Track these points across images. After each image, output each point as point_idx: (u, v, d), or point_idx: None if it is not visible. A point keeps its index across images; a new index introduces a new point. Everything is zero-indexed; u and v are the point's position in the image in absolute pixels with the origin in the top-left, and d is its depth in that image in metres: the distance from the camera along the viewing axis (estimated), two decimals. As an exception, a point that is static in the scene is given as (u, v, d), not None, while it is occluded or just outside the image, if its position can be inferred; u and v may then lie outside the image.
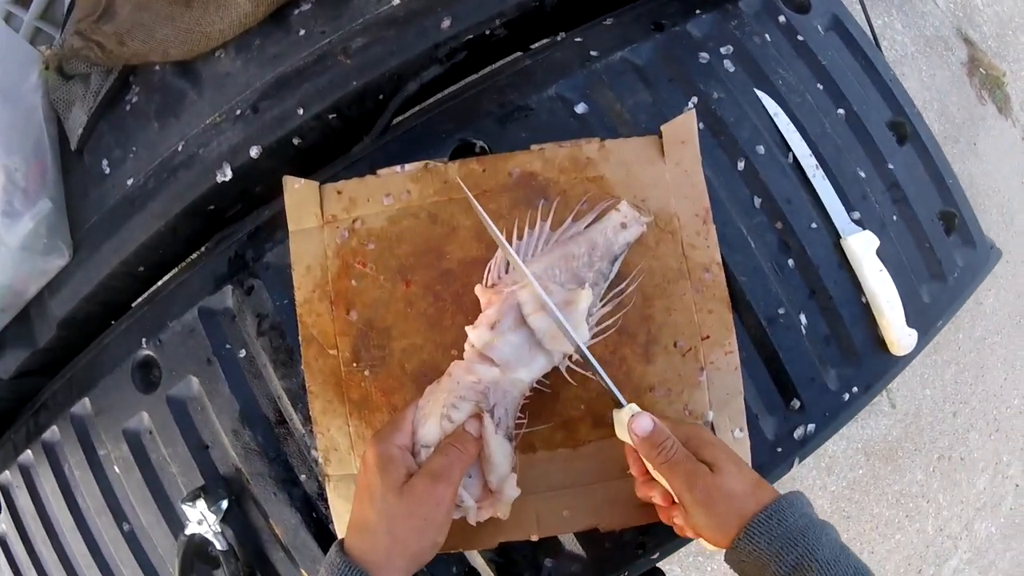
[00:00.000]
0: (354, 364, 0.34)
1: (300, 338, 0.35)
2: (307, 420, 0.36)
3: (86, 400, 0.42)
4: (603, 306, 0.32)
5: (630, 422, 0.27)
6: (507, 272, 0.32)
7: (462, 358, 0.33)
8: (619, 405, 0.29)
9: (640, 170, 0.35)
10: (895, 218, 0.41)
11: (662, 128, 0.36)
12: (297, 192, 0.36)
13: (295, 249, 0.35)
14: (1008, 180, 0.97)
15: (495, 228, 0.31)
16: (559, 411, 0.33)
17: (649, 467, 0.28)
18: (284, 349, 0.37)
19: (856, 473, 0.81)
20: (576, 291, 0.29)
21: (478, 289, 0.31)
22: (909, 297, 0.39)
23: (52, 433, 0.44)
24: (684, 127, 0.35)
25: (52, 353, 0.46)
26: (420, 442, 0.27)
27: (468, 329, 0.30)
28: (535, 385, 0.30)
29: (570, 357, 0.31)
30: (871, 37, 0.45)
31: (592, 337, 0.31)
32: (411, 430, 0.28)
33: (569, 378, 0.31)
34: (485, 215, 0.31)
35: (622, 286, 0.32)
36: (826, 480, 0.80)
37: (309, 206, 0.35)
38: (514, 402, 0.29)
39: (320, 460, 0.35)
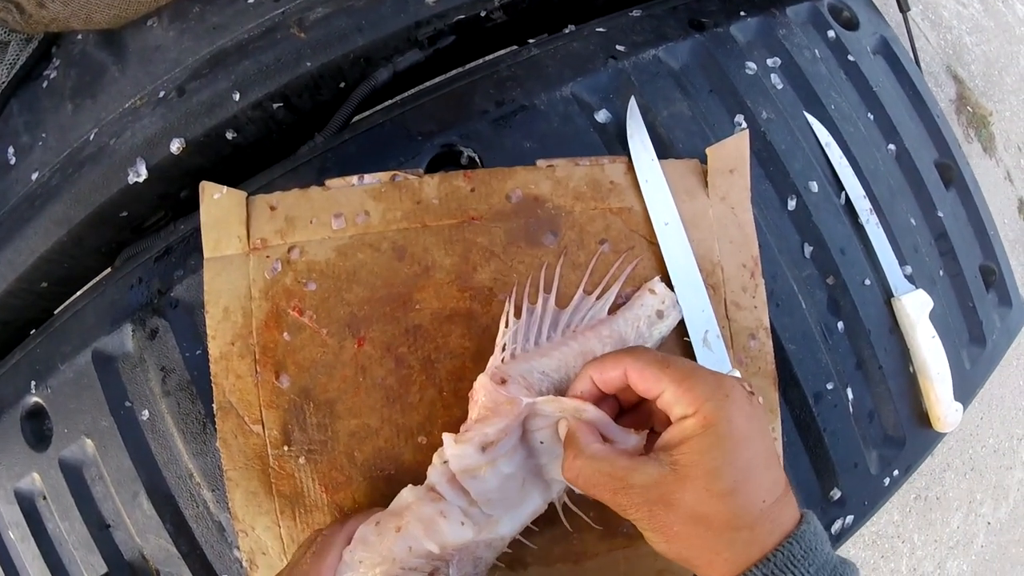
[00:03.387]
0: (285, 447, 0.20)
1: (215, 405, 0.21)
2: (227, 508, 0.22)
3: (-25, 445, 0.27)
4: None
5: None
6: (512, 357, 0.17)
7: (432, 450, 0.19)
8: None
9: (678, 203, 0.21)
10: (941, 273, 0.29)
11: (708, 151, 0.22)
12: (217, 204, 0.21)
13: (210, 283, 0.20)
14: (990, 219, 0.88)
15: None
16: (559, 519, 0.20)
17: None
18: (196, 417, 0.22)
19: (834, 516, 0.71)
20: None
21: (482, 381, 0.17)
22: (953, 365, 0.28)
23: (-58, 476, 0.28)
24: (735, 152, 0.22)
25: (-50, 376, 0.31)
26: None
27: (447, 438, 0.16)
28: (519, 537, 0.17)
29: (569, 491, 0.17)
30: (917, 66, 0.33)
31: None
32: None
33: (564, 519, 0.18)
34: None
35: None
36: (804, 524, 0.70)
37: (232, 225, 0.20)
38: (486, 566, 0.16)
39: (245, 564, 0.21)
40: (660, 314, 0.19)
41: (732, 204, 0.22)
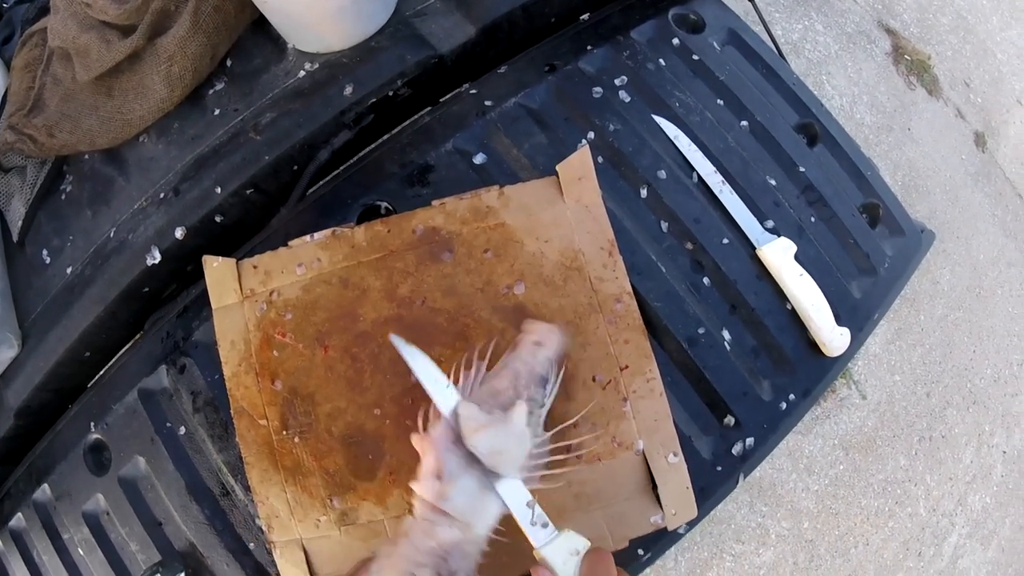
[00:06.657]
0: (284, 432, 0.37)
1: (232, 411, 0.37)
2: (248, 490, 0.38)
3: (46, 486, 0.45)
4: (553, 435, 0.30)
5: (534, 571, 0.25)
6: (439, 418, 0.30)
7: (385, 418, 0.35)
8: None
9: (541, 212, 0.37)
10: (813, 220, 0.43)
11: (558, 167, 0.38)
12: (216, 270, 0.39)
13: (219, 326, 0.38)
14: (947, 158, 1.00)
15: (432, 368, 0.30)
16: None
17: None
18: (219, 423, 0.39)
19: (837, 469, 0.81)
20: (511, 410, 0.28)
21: (414, 438, 0.29)
22: (838, 296, 0.41)
23: (18, 520, 0.46)
24: (580, 163, 0.38)
25: (13, 442, 0.49)
26: None
27: (413, 485, 0.28)
28: (493, 536, 0.28)
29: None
30: (771, 44, 0.48)
31: (547, 468, 0.30)
32: None
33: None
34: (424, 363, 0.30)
35: (570, 422, 0.31)
36: (807, 481, 0.81)
37: (228, 283, 0.38)
38: (474, 563, 0.27)
39: (264, 528, 0.37)
40: (538, 344, 0.31)
41: (586, 203, 0.38)
